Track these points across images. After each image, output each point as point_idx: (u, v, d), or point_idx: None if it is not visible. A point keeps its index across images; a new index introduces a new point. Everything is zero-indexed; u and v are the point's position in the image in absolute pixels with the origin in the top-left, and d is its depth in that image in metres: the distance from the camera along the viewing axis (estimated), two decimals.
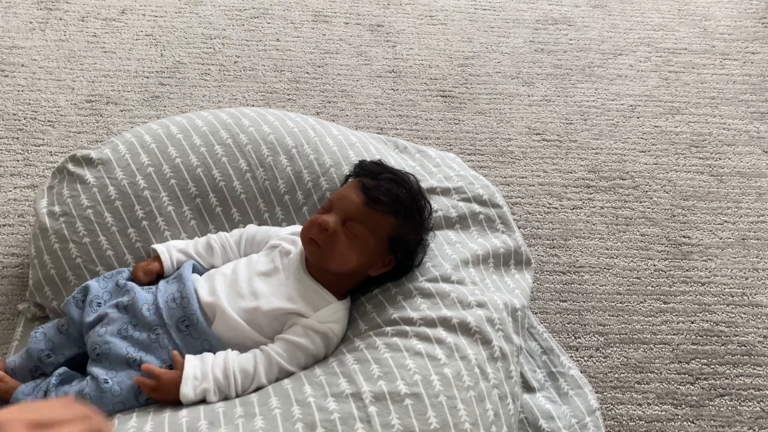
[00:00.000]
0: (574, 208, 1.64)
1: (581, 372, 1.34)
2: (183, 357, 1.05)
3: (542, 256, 1.54)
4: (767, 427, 1.31)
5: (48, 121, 1.69)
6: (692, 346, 1.41)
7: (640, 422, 1.30)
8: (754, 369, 1.39)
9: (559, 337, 1.40)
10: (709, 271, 1.54)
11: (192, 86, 1.82)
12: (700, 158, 1.79)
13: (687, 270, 1.54)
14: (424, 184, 1.29)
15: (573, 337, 1.41)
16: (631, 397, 1.33)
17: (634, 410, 1.32)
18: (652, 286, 1.51)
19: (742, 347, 1.42)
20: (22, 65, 1.82)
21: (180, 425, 0.95)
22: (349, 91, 1.86)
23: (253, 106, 1.80)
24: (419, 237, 1.18)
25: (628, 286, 1.50)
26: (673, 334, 1.43)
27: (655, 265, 1.54)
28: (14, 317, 1.32)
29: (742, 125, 1.88)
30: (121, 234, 1.25)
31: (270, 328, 1.10)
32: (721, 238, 1.61)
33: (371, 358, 1.04)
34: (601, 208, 1.65)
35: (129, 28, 1.96)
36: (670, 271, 1.54)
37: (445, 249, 1.25)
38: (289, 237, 1.21)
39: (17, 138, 1.64)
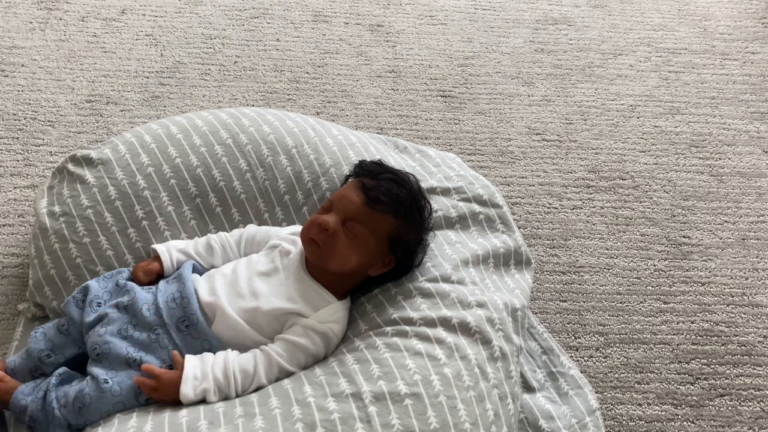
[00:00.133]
0: (574, 208, 1.64)
1: (581, 372, 1.34)
2: (183, 357, 1.05)
3: (542, 256, 1.54)
4: (767, 427, 1.31)
5: (48, 121, 1.69)
6: (692, 346, 1.41)
7: (640, 422, 1.30)
8: (754, 369, 1.39)
9: (559, 337, 1.40)
10: (709, 271, 1.54)
11: (192, 86, 1.82)
12: (700, 158, 1.79)
13: (687, 270, 1.54)
14: (424, 184, 1.29)
15: (573, 337, 1.41)
16: (631, 397, 1.33)
17: (634, 410, 1.32)
18: (652, 286, 1.51)
19: (742, 347, 1.42)
20: (22, 65, 1.82)
21: (180, 425, 0.95)
22: (349, 91, 1.86)
23: (253, 106, 1.80)
24: (419, 237, 1.18)
25: (628, 286, 1.50)
26: (673, 334, 1.43)
27: (655, 265, 1.54)
28: (14, 317, 1.32)
29: (742, 125, 1.88)
30: (121, 234, 1.25)
31: (270, 328, 1.10)
32: (721, 238, 1.61)
33: (371, 358, 1.04)
34: (601, 208, 1.65)
35: (129, 28, 1.96)
36: (670, 271, 1.54)
37: (445, 249, 1.25)
38: (289, 237, 1.21)
39: (17, 138, 1.64)
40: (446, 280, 1.18)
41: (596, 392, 1.32)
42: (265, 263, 1.16)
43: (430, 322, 1.09)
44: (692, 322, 1.45)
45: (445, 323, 1.09)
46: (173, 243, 1.23)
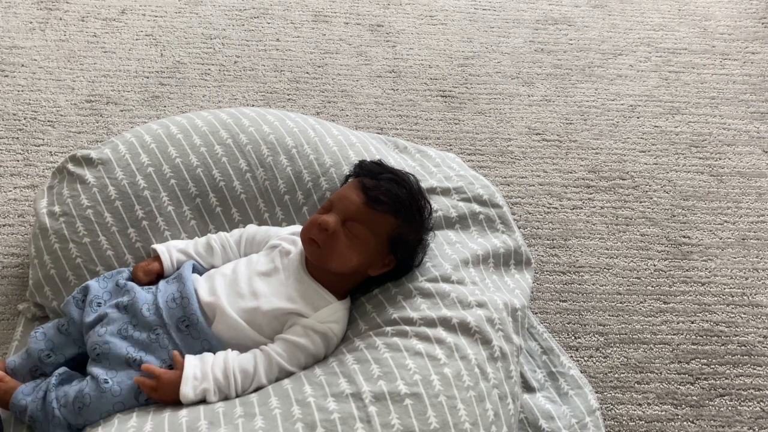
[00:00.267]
0: (574, 208, 1.64)
1: (581, 372, 1.34)
2: (183, 357, 1.05)
3: (542, 256, 1.54)
4: (767, 427, 1.31)
5: (48, 121, 1.69)
6: (692, 346, 1.41)
7: (640, 422, 1.30)
8: (754, 369, 1.39)
9: (559, 337, 1.40)
10: (709, 271, 1.54)
11: (192, 86, 1.82)
12: (700, 158, 1.79)
13: (687, 270, 1.54)
14: (424, 184, 1.29)
15: (573, 337, 1.41)
16: (631, 397, 1.33)
17: (634, 410, 1.32)
18: (652, 286, 1.51)
19: (742, 347, 1.42)
20: (22, 65, 1.82)
21: (180, 425, 0.95)
22: (349, 91, 1.86)
23: (253, 106, 1.80)
24: (419, 237, 1.18)
25: (628, 286, 1.50)
26: (673, 334, 1.43)
27: (655, 265, 1.54)
28: (14, 317, 1.32)
29: (742, 125, 1.88)
30: (121, 234, 1.25)
31: (270, 328, 1.10)
32: (721, 238, 1.61)
33: (371, 358, 1.04)
34: (601, 208, 1.65)
35: (129, 28, 1.96)
36: (670, 271, 1.54)
37: (445, 249, 1.25)
38: (289, 237, 1.21)
39: (17, 138, 1.64)
40: (446, 280, 1.18)
41: (596, 392, 1.32)
42: (265, 263, 1.16)
43: (430, 322, 1.09)
44: (692, 322, 1.45)
45: (445, 323, 1.09)
46: (173, 243, 1.23)
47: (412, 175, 1.23)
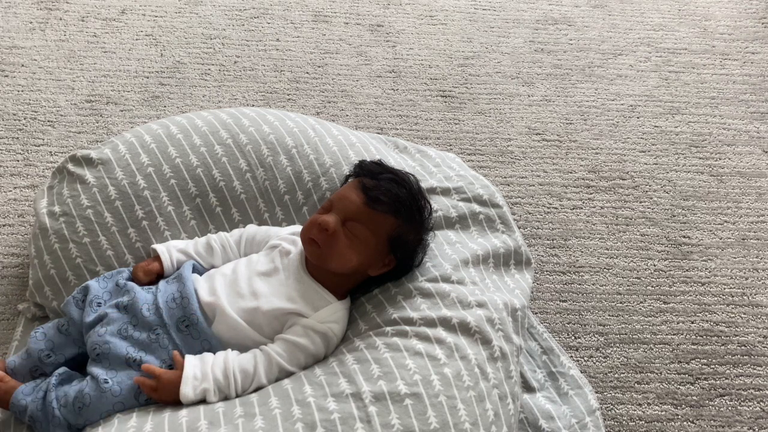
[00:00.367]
0: (574, 208, 1.64)
1: (581, 372, 1.34)
2: (183, 357, 1.05)
3: (542, 256, 1.54)
4: (767, 427, 1.31)
5: (48, 121, 1.69)
6: (692, 346, 1.41)
7: (640, 422, 1.30)
8: (754, 369, 1.39)
9: (559, 337, 1.40)
10: (709, 271, 1.54)
11: (192, 86, 1.82)
12: (700, 158, 1.79)
13: (687, 270, 1.54)
14: (424, 184, 1.29)
15: (573, 337, 1.41)
16: (631, 397, 1.33)
17: (634, 410, 1.32)
18: (652, 286, 1.51)
19: (742, 347, 1.42)
20: (22, 65, 1.82)
21: (180, 425, 0.95)
22: (349, 91, 1.86)
23: (253, 106, 1.80)
24: (419, 237, 1.18)
25: (628, 286, 1.50)
26: (673, 334, 1.43)
27: (655, 265, 1.54)
28: (14, 317, 1.32)
29: (742, 125, 1.88)
30: (121, 234, 1.25)
31: (270, 328, 1.10)
32: (721, 238, 1.61)
33: (371, 358, 1.04)
34: (601, 208, 1.65)
35: (129, 28, 1.96)
36: (670, 271, 1.54)
37: (445, 249, 1.25)
38: (289, 237, 1.21)
39: (17, 138, 1.64)
40: (446, 280, 1.18)
41: (596, 392, 1.32)
42: (265, 263, 1.16)
43: (430, 322, 1.09)
44: (692, 322, 1.45)
45: (445, 323, 1.09)
46: (173, 243, 1.23)
47: (412, 175, 1.23)
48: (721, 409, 1.33)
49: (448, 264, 1.21)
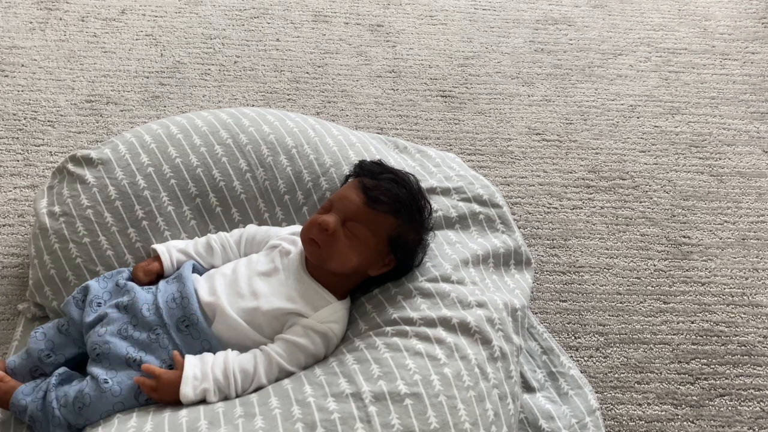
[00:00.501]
0: (574, 208, 1.64)
1: (581, 372, 1.34)
2: (183, 357, 1.05)
3: (542, 256, 1.54)
4: (767, 427, 1.31)
5: (48, 121, 1.69)
6: (692, 346, 1.41)
7: (640, 422, 1.30)
8: (754, 369, 1.39)
9: (559, 337, 1.40)
10: (709, 271, 1.54)
11: (192, 86, 1.82)
12: (700, 158, 1.79)
13: (687, 270, 1.54)
14: (424, 184, 1.29)
15: (573, 337, 1.41)
16: (631, 397, 1.33)
17: (634, 410, 1.32)
18: (652, 286, 1.51)
19: (742, 347, 1.42)
20: (22, 65, 1.82)
21: (180, 425, 0.95)
22: (349, 91, 1.86)
23: (253, 106, 1.80)
24: (419, 237, 1.18)
25: (628, 286, 1.50)
26: (673, 334, 1.43)
27: (655, 265, 1.54)
28: (14, 317, 1.32)
29: (742, 125, 1.88)
30: (121, 234, 1.25)
31: (270, 328, 1.10)
32: (721, 238, 1.61)
33: (371, 358, 1.04)
34: (601, 208, 1.65)
35: (129, 28, 1.96)
36: (670, 271, 1.54)
37: (445, 249, 1.25)
38: (289, 237, 1.21)
39: (17, 138, 1.64)
40: (446, 280, 1.18)
41: (596, 392, 1.32)
42: (265, 263, 1.16)
43: (430, 322, 1.09)
44: (692, 322, 1.45)
45: (445, 323, 1.09)
46: (173, 243, 1.23)
47: (412, 175, 1.23)
48: (721, 409, 1.33)
49: (448, 264, 1.21)
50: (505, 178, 1.69)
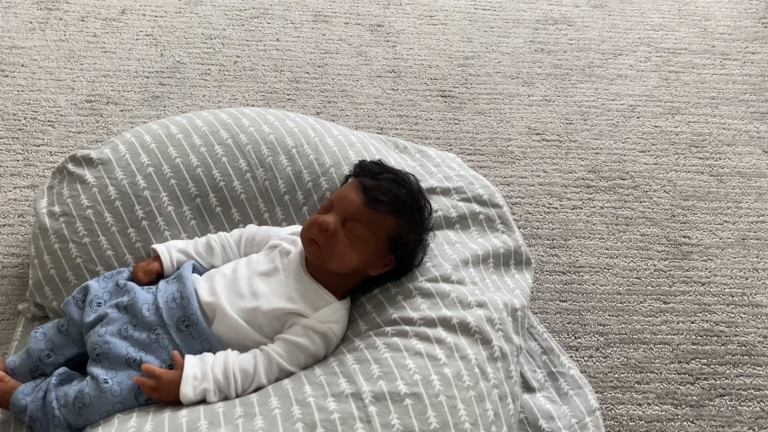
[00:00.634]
0: (574, 208, 1.64)
1: (581, 372, 1.34)
2: (183, 357, 1.05)
3: (542, 256, 1.54)
4: (767, 427, 1.31)
5: (48, 121, 1.69)
6: (692, 346, 1.41)
7: (640, 422, 1.30)
8: (754, 369, 1.39)
9: (559, 337, 1.40)
10: (709, 271, 1.54)
11: (192, 86, 1.82)
12: (700, 158, 1.79)
13: (687, 270, 1.54)
14: (424, 184, 1.29)
15: (573, 337, 1.41)
16: (631, 397, 1.33)
17: (634, 410, 1.32)
18: (652, 286, 1.51)
19: (742, 347, 1.42)
20: (22, 65, 1.82)
21: (180, 425, 0.95)
22: (349, 91, 1.86)
23: (253, 106, 1.80)
24: (419, 237, 1.18)
25: (628, 286, 1.50)
26: (673, 334, 1.43)
27: (655, 265, 1.54)
28: (14, 317, 1.32)
29: (742, 125, 1.88)
30: (121, 234, 1.25)
31: (270, 328, 1.10)
32: (721, 238, 1.61)
33: (371, 358, 1.04)
34: (601, 208, 1.65)
35: (129, 28, 1.96)
36: (670, 271, 1.54)
37: (445, 249, 1.25)
38: (289, 237, 1.21)
39: (17, 138, 1.64)
40: (446, 280, 1.18)
41: (596, 392, 1.32)
42: (265, 263, 1.16)
43: (430, 322, 1.09)
44: (692, 322, 1.45)
45: (445, 323, 1.09)
46: (173, 243, 1.23)
47: (412, 175, 1.23)
48: (721, 409, 1.33)
49: (448, 264, 1.21)
50: (505, 178, 1.69)
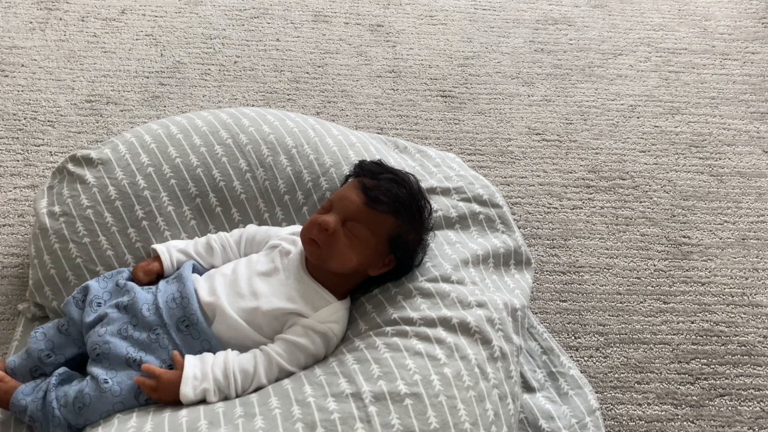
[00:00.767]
0: (574, 208, 1.64)
1: (581, 372, 1.34)
2: (183, 357, 1.05)
3: (542, 256, 1.54)
4: (767, 427, 1.31)
5: (48, 121, 1.69)
6: (692, 346, 1.41)
7: (640, 422, 1.30)
8: (754, 369, 1.39)
9: (559, 337, 1.40)
10: (709, 271, 1.54)
11: (192, 86, 1.82)
12: (700, 158, 1.79)
13: (687, 270, 1.54)
14: (424, 184, 1.29)
15: (573, 337, 1.41)
16: (631, 397, 1.33)
17: (634, 410, 1.32)
18: (652, 286, 1.51)
19: (742, 347, 1.42)
20: (22, 65, 1.82)
21: (180, 425, 0.95)
22: (349, 91, 1.86)
23: (253, 106, 1.80)
24: (419, 237, 1.18)
25: (628, 286, 1.50)
26: (673, 334, 1.43)
27: (655, 265, 1.54)
28: (14, 317, 1.32)
29: (742, 125, 1.88)
30: (121, 234, 1.25)
31: (270, 328, 1.10)
32: (721, 238, 1.61)
33: (371, 358, 1.04)
34: (601, 208, 1.65)
35: (129, 28, 1.96)
36: (670, 271, 1.54)
37: (445, 249, 1.25)
38: (289, 237, 1.21)
39: (17, 138, 1.64)
40: (446, 280, 1.18)
41: (596, 392, 1.32)
42: (265, 263, 1.16)
43: (430, 322, 1.09)
44: (692, 322, 1.45)
45: (445, 323, 1.09)
46: (173, 243, 1.23)
47: (412, 175, 1.23)
48: (721, 409, 1.33)
49: (448, 264, 1.21)
50: (505, 178, 1.69)
